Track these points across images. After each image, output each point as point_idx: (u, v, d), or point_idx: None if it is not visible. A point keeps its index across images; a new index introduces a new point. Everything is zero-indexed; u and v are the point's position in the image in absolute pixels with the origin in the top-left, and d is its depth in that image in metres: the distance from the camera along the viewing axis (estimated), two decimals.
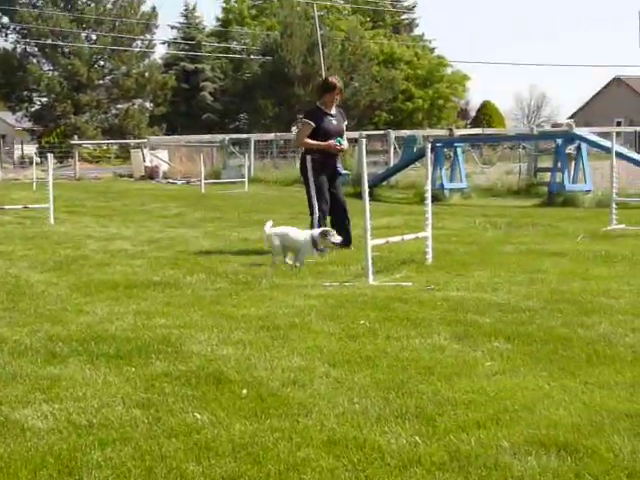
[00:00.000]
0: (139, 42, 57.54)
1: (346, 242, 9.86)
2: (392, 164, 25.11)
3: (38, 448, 3.77)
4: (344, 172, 12.09)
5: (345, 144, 10.59)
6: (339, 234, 9.23)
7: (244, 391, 4.53)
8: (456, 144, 21.53)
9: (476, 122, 65.18)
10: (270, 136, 34.66)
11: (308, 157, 10.33)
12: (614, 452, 3.61)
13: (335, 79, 10.78)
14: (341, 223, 10.26)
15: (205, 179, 25.21)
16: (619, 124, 65.91)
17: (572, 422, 3.98)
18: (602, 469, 3.45)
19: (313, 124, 10.32)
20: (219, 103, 59.60)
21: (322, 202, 10.26)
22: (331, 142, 10.26)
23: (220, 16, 67.76)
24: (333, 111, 10.54)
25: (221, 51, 62.14)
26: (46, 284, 8.01)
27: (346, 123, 10.86)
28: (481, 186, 22.29)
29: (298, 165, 10.91)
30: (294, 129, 11.08)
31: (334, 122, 10.45)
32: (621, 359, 5.07)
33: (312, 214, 10.24)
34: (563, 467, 3.48)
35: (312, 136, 10.30)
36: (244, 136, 35.41)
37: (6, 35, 57.19)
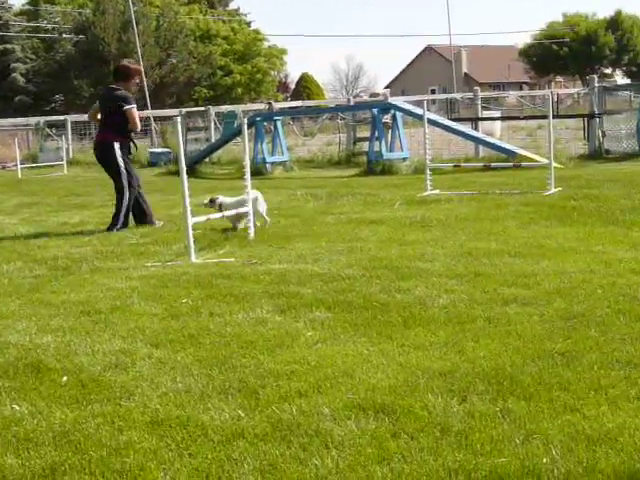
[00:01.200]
0: None
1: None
2: (213, 140, 25.01)
3: None
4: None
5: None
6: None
7: (64, 378, 4.45)
8: (276, 117, 21.64)
9: (296, 95, 65.74)
10: (85, 117, 33.79)
11: (116, 145, 10.39)
12: (428, 410, 3.76)
13: (135, 63, 11.02)
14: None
15: (21, 163, 24.43)
16: (433, 92, 67.91)
17: (389, 384, 4.11)
18: (417, 427, 3.58)
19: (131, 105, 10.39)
20: (32, 85, 57.61)
21: (134, 180, 10.58)
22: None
23: None
24: None
25: (31, 31, 60.06)
26: None
27: None
28: (303, 158, 22.53)
29: (95, 152, 10.92)
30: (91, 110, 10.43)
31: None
32: (435, 320, 5.27)
33: (123, 197, 10.46)
34: (381, 428, 3.60)
35: (123, 122, 10.36)
36: (61, 118, 34.45)
37: None
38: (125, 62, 11.09)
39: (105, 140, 10.49)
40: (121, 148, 10.41)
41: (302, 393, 4.05)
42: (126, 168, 10.45)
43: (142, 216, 10.57)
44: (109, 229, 10.22)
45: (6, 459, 3.46)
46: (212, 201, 9.86)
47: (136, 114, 10.43)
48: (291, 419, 3.73)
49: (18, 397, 4.21)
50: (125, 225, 10.34)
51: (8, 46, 58.69)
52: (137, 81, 10.81)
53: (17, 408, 4.04)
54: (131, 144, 10.64)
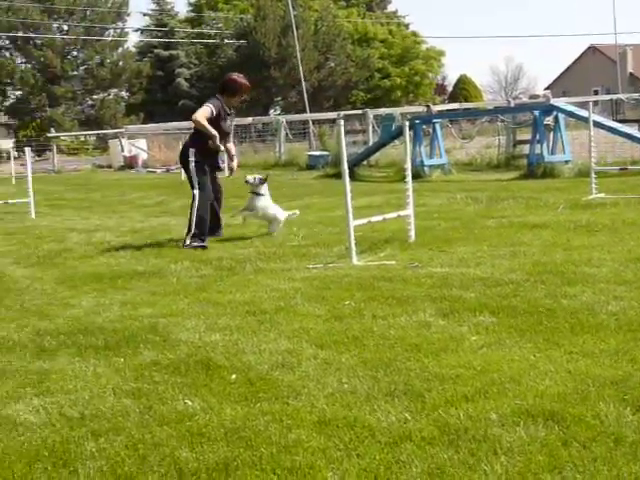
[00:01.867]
0: (111, 31, 57.20)
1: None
2: (371, 143, 25.10)
3: (32, 442, 3.79)
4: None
5: (230, 147, 10.62)
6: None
7: (233, 376, 4.56)
8: (434, 120, 21.54)
9: (453, 97, 65.19)
10: (248, 120, 34.54)
11: (192, 150, 9.95)
12: (600, 419, 3.66)
13: (244, 79, 10.21)
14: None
15: None
16: (596, 93, 66.12)
17: (558, 391, 4.03)
18: (589, 436, 3.50)
19: (215, 112, 9.82)
20: (195, 89, 59.23)
21: (207, 190, 10.11)
22: (218, 144, 9.88)
23: (192, 1, 67.38)
24: (230, 110, 10.25)
25: (195, 37, 61.82)
26: (31, 279, 8.01)
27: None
28: (461, 161, 22.34)
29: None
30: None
31: (228, 122, 10.21)
32: (604, 327, 5.13)
33: (193, 204, 10.04)
34: (551, 436, 3.53)
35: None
36: None
37: None
38: (234, 76, 10.32)
39: (185, 145, 10.29)
40: (198, 155, 9.88)
41: (468, 398, 4.02)
42: (198, 176, 9.93)
43: (212, 229, 10.08)
44: (184, 242, 9.69)
45: (181, 452, 3.58)
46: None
47: (204, 112, 9.78)
48: (458, 423, 3.71)
49: (190, 393, 4.34)
50: (201, 234, 9.73)
51: (174, 52, 60.60)
52: (241, 97, 10.39)
53: (189, 403, 4.17)
54: (219, 153, 10.24)
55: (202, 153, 9.91)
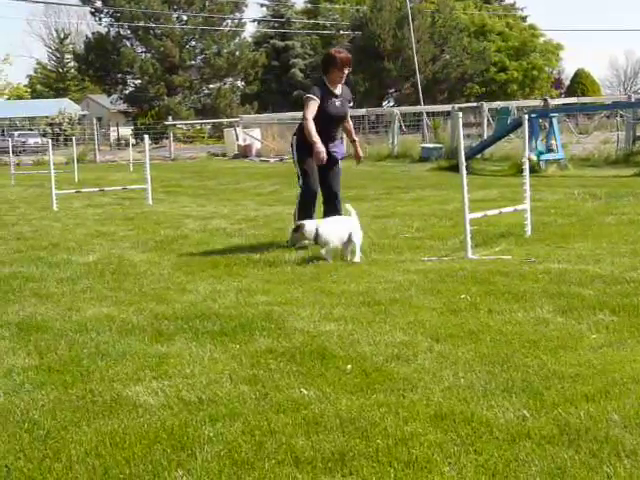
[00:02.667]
0: (229, 21, 57.96)
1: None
2: (486, 136, 24.82)
3: (151, 424, 3.86)
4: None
5: (350, 128, 9.37)
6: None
7: (349, 366, 4.56)
8: (551, 114, 21.15)
9: (570, 91, 63.98)
10: (362, 111, 34.55)
11: (294, 138, 9.11)
12: None
13: (344, 52, 9.12)
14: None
15: None
16: None
17: None
18: None
19: (318, 100, 8.75)
20: (310, 80, 59.67)
21: (311, 183, 8.97)
22: (321, 150, 8.56)
23: None
24: (338, 90, 8.98)
25: (311, 28, 62.16)
26: (149, 264, 8.17)
27: (350, 104, 9.42)
28: (577, 156, 21.88)
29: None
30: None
31: (337, 104, 8.95)
32: None
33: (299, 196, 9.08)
34: None
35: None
36: None
37: (100, 19, 58.42)
38: (332, 50, 9.28)
39: (294, 134, 9.23)
40: (300, 145, 8.92)
41: (589, 397, 3.92)
42: (302, 168, 8.92)
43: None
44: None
45: (297, 440, 3.59)
46: (297, 229, 8.18)
47: (308, 107, 8.76)
48: (579, 423, 3.63)
49: (305, 381, 4.36)
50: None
51: (289, 43, 61.13)
52: (344, 72, 8.90)
53: (305, 392, 4.18)
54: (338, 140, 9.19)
55: (308, 142, 8.73)
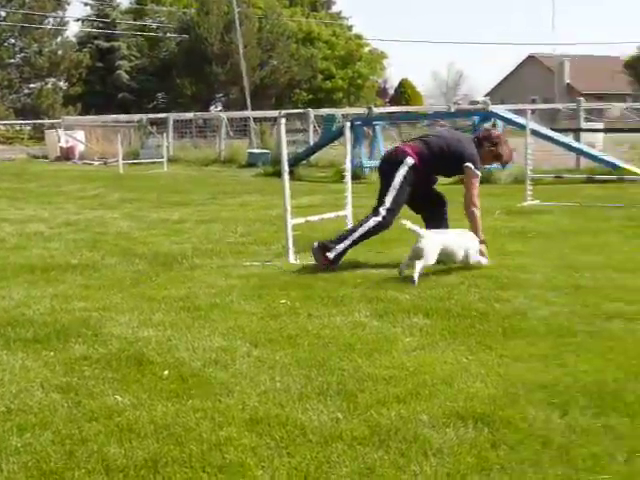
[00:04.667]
0: (51, 19, 56.30)
1: None
2: (312, 143, 25.12)
3: None
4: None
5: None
6: None
7: (165, 372, 4.53)
8: (375, 122, 21.63)
9: (395, 100, 65.49)
10: (189, 115, 34.31)
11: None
12: (528, 422, 3.71)
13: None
14: None
15: (123, 159, 24.91)
16: (534, 101, 66.97)
17: (489, 394, 4.07)
18: (517, 439, 3.54)
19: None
20: (136, 82, 58.72)
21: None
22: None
23: None
24: None
25: (137, 29, 61.22)
26: None
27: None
28: None
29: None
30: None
31: None
32: (535, 332, 5.20)
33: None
34: (480, 438, 3.56)
35: None
36: (162, 115, 34.95)
37: None
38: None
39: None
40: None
41: (400, 399, 4.04)
42: (399, 195, 7.73)
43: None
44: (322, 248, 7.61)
45: (109, 448, 3.53)
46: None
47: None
48: (389, 424, 3.72)
49: (121, 388, 4.29)
50: (340, 255, 7.63)
51: (115, 44, 59.94)
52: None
53: (119, 399, 4.12)
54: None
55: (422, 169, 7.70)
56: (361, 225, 7.79)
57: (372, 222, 7.74)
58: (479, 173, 7.65)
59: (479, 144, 7.80)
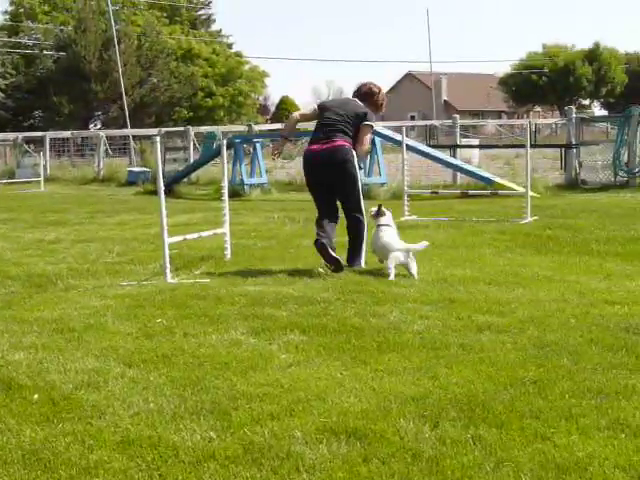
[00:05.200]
0: None
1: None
2: (192, 160, 25.01)
3: None
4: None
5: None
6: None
7: (35, 396, 4.42)
8: (255, 139, 21.68)
9: (276, 117, 65.77)
10: (67, 134, 33.77)
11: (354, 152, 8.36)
12: (400, 435, 3.76)
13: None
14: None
15: None
16: (413, 118, 68.26)
17: (362, 408, 4.12)
18: (389, 452, 3.59)
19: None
20: (11, 100, 57.35)
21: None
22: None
23: (9, 10, 65.24)
24: None
25: (12, 46, 59.85)
26: None
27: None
28: (282, 181, 22.52)
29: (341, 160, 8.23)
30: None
31: None
32: (409, 345, 5.28)
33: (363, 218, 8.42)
34: (352, 452, 3.60)
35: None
36: (39, 134, 34.27)
37: None
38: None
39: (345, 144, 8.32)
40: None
41: (274, 416, 4.04)
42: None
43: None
44: (352, 263, 8.25)
45: None
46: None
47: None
48: (263, 442, 3.72)
49: None
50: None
51: None
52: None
53: None
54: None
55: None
56: (360, 237, 8.37)
57: (365, 230, 8.37)
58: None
59: (364, 99, 8.64)
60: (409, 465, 3.46)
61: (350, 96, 8.97)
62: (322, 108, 8.61)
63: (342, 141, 8.25)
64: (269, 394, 4.38)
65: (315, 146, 8.37)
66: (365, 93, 8.72)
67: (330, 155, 8.23)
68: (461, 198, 15.80)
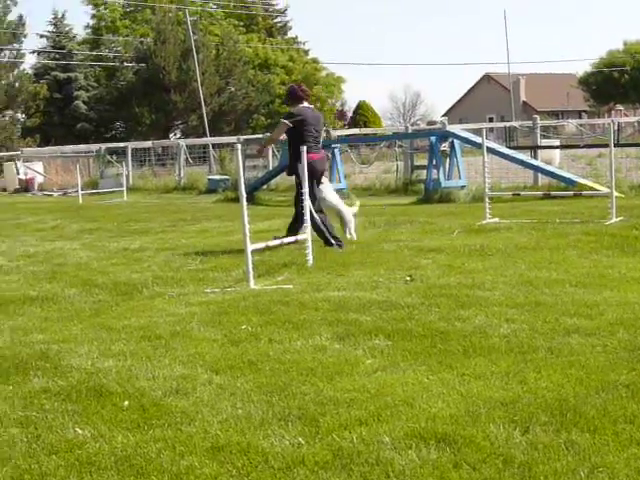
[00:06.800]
0: (7, 52, 56.00)
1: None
2: (271, 167, 25.14)
3: None
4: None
5: None
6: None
7: (126, 403, 4.49)
8: (333, 145, 21.70)
9: (353, 123, 65.86)
10: (147, 144, 34.23)
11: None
12: (490, 440, 3.72)
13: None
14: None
15: (82, 190, 24.75)
16: (491, 120, 67.61)
17: (450, 414, 4.08)
18: (479, 458, 3.55)
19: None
20: (94, 112, 58.43)
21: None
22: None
23: (91, 23, 66.56)
24: None
25: (94, 59, 61.02)
26: None
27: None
28: (360, 186, 22.51)
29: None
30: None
31: None
32: (496, 350, 5.22)
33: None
34: (442, 458, 3.57)
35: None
36: (121, 145, 34.84)
37: None
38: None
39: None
40: None
41: (362, 421, 4.03)
42: None
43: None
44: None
45: None
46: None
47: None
48: (351, 447, 3.72)
49: (81, 420, 4.25)
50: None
51: (72, 74, 59.68)
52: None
53: (80, 432, 4.08)
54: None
55: None
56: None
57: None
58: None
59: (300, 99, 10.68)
60: (500, 471, 3.42)
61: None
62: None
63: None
64: (356, 399, 4.37)
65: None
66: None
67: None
68: (543, 200, 15.57)
